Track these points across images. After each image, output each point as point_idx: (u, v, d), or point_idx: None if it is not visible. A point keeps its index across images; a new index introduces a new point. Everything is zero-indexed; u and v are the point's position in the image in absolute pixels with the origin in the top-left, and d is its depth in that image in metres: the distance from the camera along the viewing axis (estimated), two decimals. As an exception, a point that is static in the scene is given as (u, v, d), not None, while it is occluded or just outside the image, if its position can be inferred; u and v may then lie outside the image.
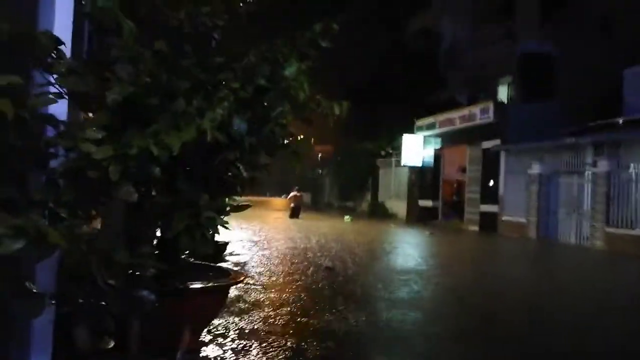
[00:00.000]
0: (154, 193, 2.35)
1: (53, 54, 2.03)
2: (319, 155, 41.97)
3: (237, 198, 3.18)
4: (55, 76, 2.04)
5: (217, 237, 3.81)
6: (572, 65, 17.98)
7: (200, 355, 3.47)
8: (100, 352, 2.78)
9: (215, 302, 3.55)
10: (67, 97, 2.11)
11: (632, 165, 12.76)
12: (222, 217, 2.54)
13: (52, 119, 1.97)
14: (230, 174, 3.08)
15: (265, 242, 10.71)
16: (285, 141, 2.94)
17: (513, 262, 10.52)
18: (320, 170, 40.80)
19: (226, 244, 8.28)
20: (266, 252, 8.97)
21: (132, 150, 1.83)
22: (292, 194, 20.93)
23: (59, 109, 2.21)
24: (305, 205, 36.51)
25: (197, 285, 3.26)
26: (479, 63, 21.29)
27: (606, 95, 16.55)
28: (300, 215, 19.81)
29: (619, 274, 9.49)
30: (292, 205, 20.37)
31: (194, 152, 2.40)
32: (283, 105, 2.44)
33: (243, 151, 2.64)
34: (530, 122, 16.58)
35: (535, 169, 15.59)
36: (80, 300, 2.41)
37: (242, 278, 4.03)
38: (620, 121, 14.48)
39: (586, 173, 14.17)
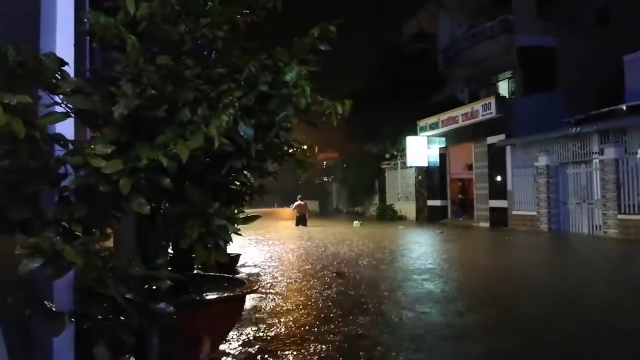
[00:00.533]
0: (164, 205, 2.37)
1: (57, 75, 2.06)
2: (324, 164, 42.06)
3: (246, 210, 3.20)
4: (61, 96, 2.07)
5: (229, 249, 3.84)
6: (571, 55, 17.96)
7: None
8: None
9: (232, 311, 3.56)
10: (73, 115, 2.15)
11: (639, 150, 12.67)
12: (233, 225, 2.56)
13: (60, 138, 2.00)
14: (238, 182, 3.11)
15: (276, 252, 10.70)
16: (291, 150, 2.97)
17: (528, 255, 10.42)
18: (326, 178, 40.86)
19: (238, 255, 8.31)
20: (278, 263, 8.96)
21: (142, 163, 1.85)
22: (296, 203, 21.18)
23: (66, 128, 2.25)
24: (313, 213, 36.54)
25: (212, 295, 3.28)
26: (478, 59, 21.30)
27: (608, 83, 16.50)
28: (307, 224, 19.86)
29: (628, 256, 9.38)
30: (297, 214, 20.62)
31: (202, 161, 2.43)
32: (287, 110, 2.45)
33: (250, 158, 2.66)
34: (534, 115, 16.55)
35: (542, 161, 15.51)
36: (100, 317, 2.42)
37: (256, 287, 4.03)
38: (624, 107, 14.41)
39: (594, 162, 14.08)
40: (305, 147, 3.12)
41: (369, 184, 28.92)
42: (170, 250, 2.92)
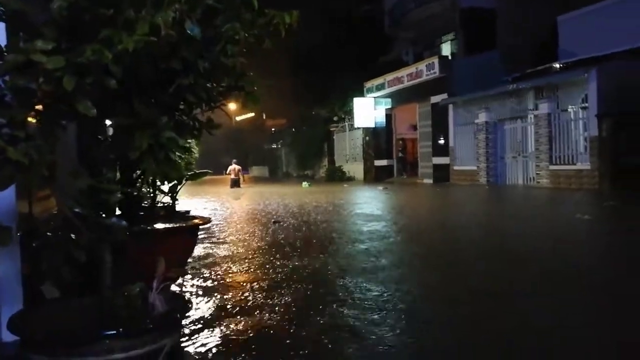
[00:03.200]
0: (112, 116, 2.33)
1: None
2: (273, 130, 41.72)
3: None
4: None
5: (177, 207, 3.83)
6: (510, 16, 18.54)
7: (178, 283, 3.52)
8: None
9: (185, 242, 3.59)
10: (4, 19, 2.04)
11: (569, 106, 13.49)
12: (184, 139, 2.55)
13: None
14: (186, 103, 3.07)
15: (223, 209, 10.70)
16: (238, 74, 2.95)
17: (459, 203, 11.12)
18: (275, 144, 40.65)
19: (188, 211, 8.26)
20: (227, 217, 8.99)
21: (85, 56, 1.80)
22: (231, 167, 21.59)
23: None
24: (262, 178, 36.42)
25: (168, 225, 3.30)
26: (422, 20, 21.56)
27: (543, 42, 17.25)
28: (240, 185, 20.71)
29: (561, 204, 10.16)
30: (232, 177, 21.19)
31: (150, 72, 2.38)
32: (232, 23, 2.44)
33: (198, 75, 2.64)
34: (474, 74, 17.12)
35: (482, 118, 16.19)
36: (48, 234, 2.38)
37: (208, 220, 4.07)
38: (558, 66, 15.18)
39: (529, 117, 14.86)
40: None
41: (318, 147, 29.09)
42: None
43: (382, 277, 3.82)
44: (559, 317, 2.78)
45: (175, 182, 3.70)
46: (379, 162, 23.21)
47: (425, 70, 18.86)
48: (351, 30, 24.91)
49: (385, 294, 3.31)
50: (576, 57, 14.15)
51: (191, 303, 3.04)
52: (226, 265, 4.41)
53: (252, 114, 39.25)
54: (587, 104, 12.81)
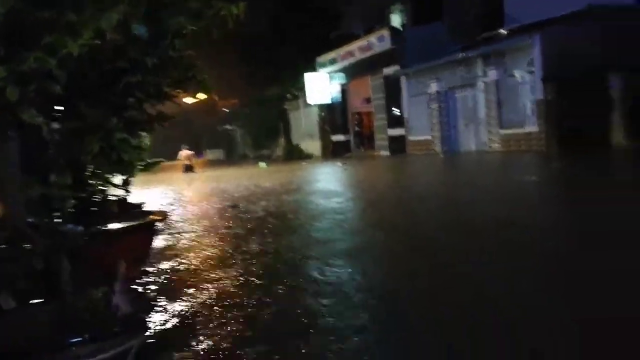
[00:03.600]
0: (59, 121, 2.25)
1: None
2: (226, 110, 40.88)
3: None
4: None
5: (131, 200, 3.76)
6: (455, -16, 18.72)
7: (140, 282, 3.50)
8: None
9: (144, 237, 3.55)
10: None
11: (516, 71, 13.93)
12: (136, 139, 2.51)
13: None
14: (135, 100, 2.99)
15: (177, 197, 10.56)
16: (190, 70, 2.90)
17: (414, 174, 11.53)
18: (229, 126, 39.90)
19: (142, 203, 8.09)
20: (182, 205, 8.89)
21: (27, 65, 1.73)
22: (181, 152, 21.38)
23: None
24: (218, 161, 35.86)
25: (124, 224, 3.25)
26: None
27: (490, 9, 17.57)
28: (194, 170, 20.53)
29: (511, 168, 10.62)
30: (184, 162, 20.99)
31: (95, 74, 2.31)
32: (178, 17, 2.39)
33: (146, 72, 2.58)
34: (425, 45, 17.27)
35: (433, 87, 16.49)
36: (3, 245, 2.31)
37: (165, 215, 4.04)
38: (505, 32, 15.55)
39: (478, 84, 15.25)
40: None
41: (273, 126, 28.83)
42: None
43: (340, 253, 3.92)
44: (512, 284, 2.95)
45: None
46: (336, 138, 23.32)
47: (376, 42, 18.91)
48: (301, 5, 24.51)
49: (345, 270, 3.41)
50: (521, 22, 14.54)
51: (154, 301, 3.04)
52: (184, 256, 4.39)
53: (204, 96, 38.26)
54: (533, 68, 13.26)
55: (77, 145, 2.14)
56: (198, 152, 36.56)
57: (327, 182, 10.44)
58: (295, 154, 24.97)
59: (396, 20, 22.71)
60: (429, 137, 16.99)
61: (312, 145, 24.97)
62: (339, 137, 23.13)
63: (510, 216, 5.13)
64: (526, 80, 13.65)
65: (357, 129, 23.23)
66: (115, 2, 1.86)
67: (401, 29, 20.88)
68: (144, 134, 3.91)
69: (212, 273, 3.72)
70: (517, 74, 13.71)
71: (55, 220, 2.24)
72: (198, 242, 5.04)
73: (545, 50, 12.75)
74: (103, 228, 3.07)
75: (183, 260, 4.26)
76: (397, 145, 18.69)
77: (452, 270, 3.35)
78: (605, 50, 11.80)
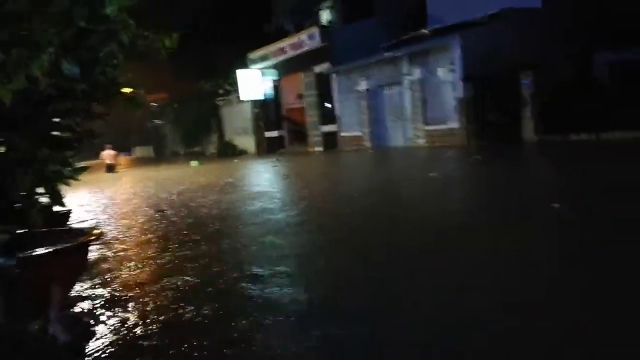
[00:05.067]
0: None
1: None
2: (156, 105, 39.40)
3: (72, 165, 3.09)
4: None
5: (56, 208, 3.67)
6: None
7: (75, 309, 3.45)
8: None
9: (77, 260, 3.50)
10: None
11: (439, 70, 14.69)
12: (69, 171, 2.50)
13: None
14: (65, 127, 2.95)
15: (107, 200, 10.21)
16: (120, 89, 2.91)
17: (344, 171, 12.00)
18: (158, 121, 38.50)
19: (69, 211, 7.76)
20: (111, 211, 8.63)
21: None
22: (104, 152, 20.81)
23: None
24: (147, 159, 34.62)
25: (59, 246, 3.19)
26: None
27: (415, 9, 18.31)
28: (115, 170, 20.18)
29: (435, 162, 11.29)
30: (106, 162, 20.53)
31: (25, 104, 2.28)
32: (110, 45, 2.41)
33: (76, 99, 2.57)
34: (355, 42, 17.73)
35: (363, 85, 17.00)
36: None
37: (97, 234, 3.99)
38: (427, 31, 16.30)
39: (404, 82, 15.91)
40: (132, 90, 3.07)
41: (206, 122, 28.29)
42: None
43: (269, 258, 4.08)
44: (437, 278, 3.26)
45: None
46: (270, 134, 23.34)
47: (307, 39, 19.11)
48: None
49: (274, 275, 3.57)
50: (443, 22, 15.33)
51: (94, 326, 3.03)
52: (107, 268, 4.35)
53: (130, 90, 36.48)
54: (454, 67, 14.05)
55: (8, 178, 2.12)
56: (125, 150, 35.02)
57: (260, 181, 10.56)
58: (228, 151, 24.71)
59: (326, 17, 23.05)
60: (360, 133, 17.51)
61: (246, 142, 24.83)
62: (273, 133, 23.18)
63: (430, 208, 5.51)
64: (448, 78, 14.44)
65: (289, 125, 23.40)
66: (45, 44, 1.87)
67: (331, 27, 21.24)
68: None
69: (135, 292, 3.74)
70: (440, 72, 14.48)
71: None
72: (126, 255, 4.98)
73: (464, 50, 13.57)
74: (34, 254, 3.01)
75: (103, 272, 4.23)
76: (330, 141, 19.08)
77: (383, 266, 3.61)
78: (518, 50, 12.77)
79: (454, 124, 14.12)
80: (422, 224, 5.00)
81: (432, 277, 3.33)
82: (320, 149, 19.68)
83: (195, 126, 28.99)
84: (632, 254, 3.33)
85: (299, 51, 19.67)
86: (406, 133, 16.04)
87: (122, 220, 7.33)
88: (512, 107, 12.80)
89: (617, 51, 13.32)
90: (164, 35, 2.51)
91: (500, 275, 3.22)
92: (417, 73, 15.11)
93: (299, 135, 22.93)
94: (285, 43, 20.52)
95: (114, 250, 5.23)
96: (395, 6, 18.68)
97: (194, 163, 19.51)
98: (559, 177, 7.28)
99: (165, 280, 3.87)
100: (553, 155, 10.20)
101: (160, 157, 35.04)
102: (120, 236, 6.03)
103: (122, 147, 32.11)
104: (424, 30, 16.40)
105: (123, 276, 4.20)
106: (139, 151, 42.26)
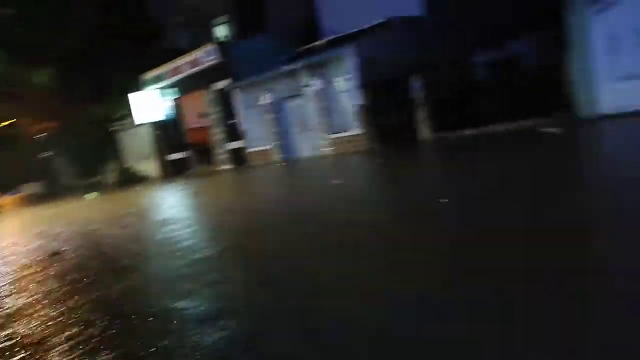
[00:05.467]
0: None
1: None
2: (44, 136, 36.11)
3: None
4: None
5: None
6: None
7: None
8: None
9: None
10: None
11: (336, 79, 15.14)
12: None
13: None
14: None
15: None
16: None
17: (251, 188, 11.91)
18: (47, 153, 35.36)
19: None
20: None
21: None
22: None
23: None
24: (38, 196, 31.61)
25: None
26: (193, 4, 21.16)
27: (310, 20, 18.74)
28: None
29: (336, 168, 11.60)
30: None
31: None
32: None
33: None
34: (252, 57, 17.69)
35: (266, 99, 17.03)
36: None
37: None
38: (322, 43, 16.77)
39: (305, 94, 16.19)
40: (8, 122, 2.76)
41: (102, 150, 26.51)
42: None
43: (173, 292, 3.90)
44: (344, 280, 3.29)
45: None
46: (174, 156, 22.49)
47: (205, 56, 18.77)
48: (120, 20, 22.92)
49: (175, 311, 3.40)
50: (337, 33, 15.85)
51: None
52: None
53: (10, 121, 33.12)
54: (350, 76, 14.55)
55: None
56: (10, 190, 31.76)
57: (165, 207, 10.05)
58: (130, 178, 23.36)
59: (222, 33, 22.77)
60: (268, 147, 17.47)
61: (149, 166, 23.68)
62: (177, 155, 22.34)
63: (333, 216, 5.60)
64: (346, 87, 14.94)
65: (194, 144, 22.69)
66: None
67: (228, 43, 21.04)
68: None
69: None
70: (338, 82, 14.94)
71: None
72: (18, 311, 4.45)
73: (359, 59, 14.14)
74: None
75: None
76: (238, 157, 18.81)
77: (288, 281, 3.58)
78: (407, 56, 13.55)
79: (356, 131, 14.59)
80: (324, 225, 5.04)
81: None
82: (228, 166, 19.32)
83: (91, 155, 27.05)
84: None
85: (197, 69, 19.25)
86: (313, 143, 16.28)
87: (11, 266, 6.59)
88: (408, 110, 13.53)
89: (492, 51, 14.63)
90: (39, 72, 2.27)
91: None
92: (316, 84, 15.45)
93: (205, 154, 22.31)
94: (181, 61, 20.00)
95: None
96: (287, 20, 18.98)
97: (89, 196, 18.17)
98: (447, 173, 7.83)
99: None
100: (444, 151, 11.07)
101: (53, 193, 32.17)
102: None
103: (5, 187, 29.19)
104: (319, 42, 16.86)
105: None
106: (27, 189, 38.43)
